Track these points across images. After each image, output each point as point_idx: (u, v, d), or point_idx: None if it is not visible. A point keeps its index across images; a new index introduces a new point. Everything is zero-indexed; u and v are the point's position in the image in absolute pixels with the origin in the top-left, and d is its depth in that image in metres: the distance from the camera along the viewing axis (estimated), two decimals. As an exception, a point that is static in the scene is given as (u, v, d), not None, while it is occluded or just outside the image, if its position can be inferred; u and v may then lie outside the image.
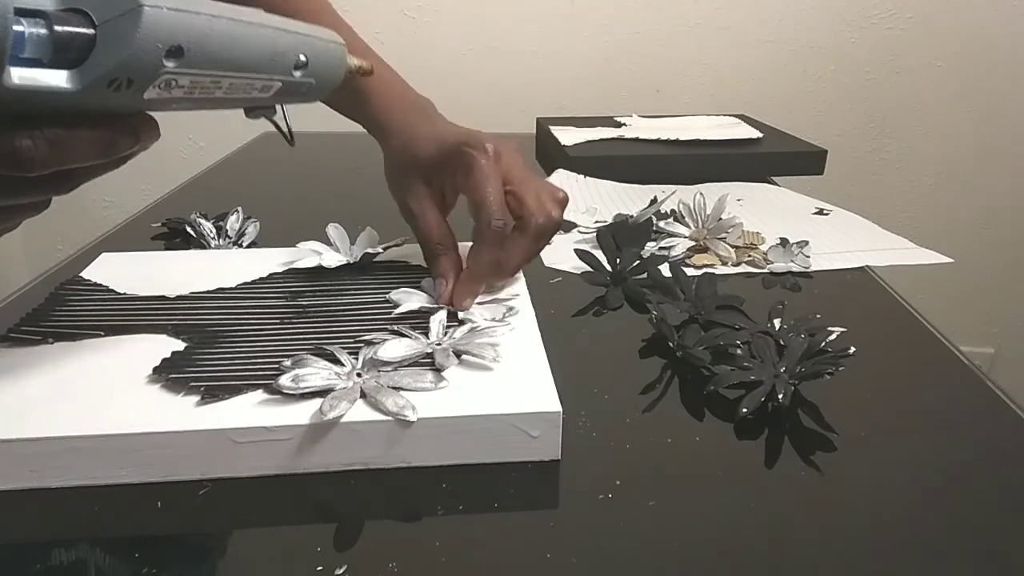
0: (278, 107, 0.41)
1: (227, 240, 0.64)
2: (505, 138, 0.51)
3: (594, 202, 0.79)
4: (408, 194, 0.53)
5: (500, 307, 0.48)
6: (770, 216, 0.76)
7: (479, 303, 0.49)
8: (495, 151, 0.49)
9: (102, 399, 0.38)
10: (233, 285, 0.51)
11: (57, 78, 0.27)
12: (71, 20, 0.27)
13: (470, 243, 0.50)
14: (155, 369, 0.40)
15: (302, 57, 0.38)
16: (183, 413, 0.37)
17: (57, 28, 0.27)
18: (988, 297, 1.55)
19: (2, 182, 0.30)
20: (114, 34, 0.27)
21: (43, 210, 0.34)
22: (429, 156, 0.52)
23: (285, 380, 0.38)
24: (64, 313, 0.47)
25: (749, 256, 0.65)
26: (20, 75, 0.26)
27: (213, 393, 0.38)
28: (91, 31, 0.27)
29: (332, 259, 0.54)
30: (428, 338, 0.44)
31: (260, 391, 0.38)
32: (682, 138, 0.95)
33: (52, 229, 1.43)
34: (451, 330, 0.45)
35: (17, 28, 0.26)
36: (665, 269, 0.60)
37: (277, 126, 0.45)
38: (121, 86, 0.29)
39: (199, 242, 0.64)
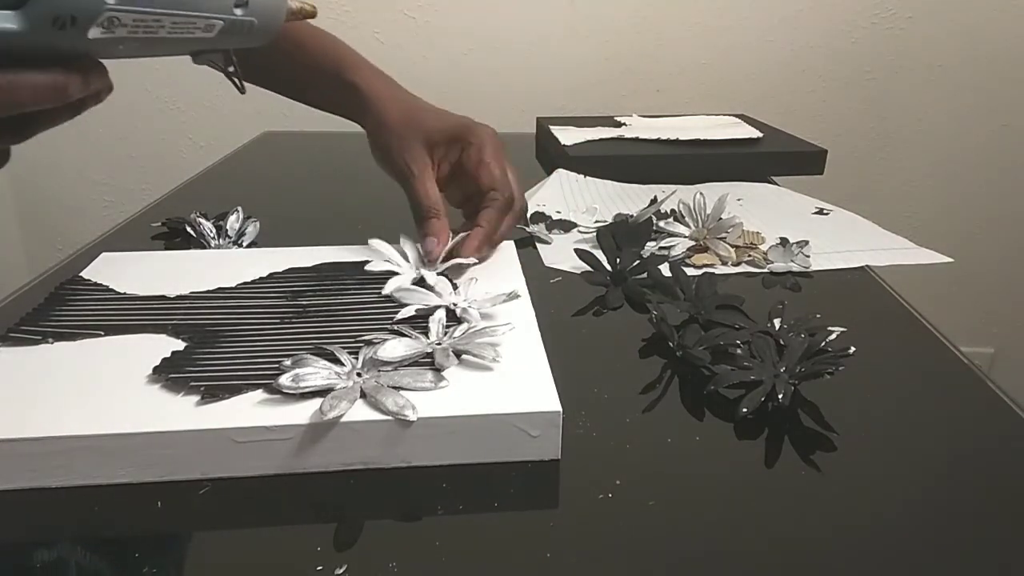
0: (226, 56, 0.42)
1: (227, 240, 0.64)
2: (504, 136, 0.52)
3: (594, 202, 0.79)
4: (410, 157, 0.57)
5: (500, 295, 0.48)
6: (770, 216, 0.76)
7: (480, 293, 0.49)
8: (496, 138, 0.59)
9: (102, 399, 0.38)
10: (233, 285, 0.51)
11: (2, 19, 0.28)
12: None
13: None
14: (155, 369, 0.40)
15: None
16: (183, 413, 0.37)
17: None
18: (988, 297, 1.55)
19: None
20: None
21: (3, 163, 0.35)
22: (437, 129, 0.58)
23: (285, 380, 0.38)
24: (64, 313, 0.47)
25: (749, 256, 0.65)
26: None
27: (213, 393, 0.38)
28: None
29: (407, 275, 0.52)
30: (428, 338, 0.44)
31: (260, 391, 0.38)
32: (682, 138, 0.95)
33: (52, 229, 1.43)
34: (451, 330, 0.45)
35: None
36: (665, 269, 0.60)
37: (226, 73, 0.45)
38: (65, 24, 0.29)
39: (199, 242, 0.64)
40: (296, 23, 0.46)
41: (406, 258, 0.54)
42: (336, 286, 0.51)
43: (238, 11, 0.38)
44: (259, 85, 0.67)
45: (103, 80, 0.34)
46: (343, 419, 0.36)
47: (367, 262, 0.55)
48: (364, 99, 0.61)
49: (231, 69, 0.45)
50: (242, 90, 0.48)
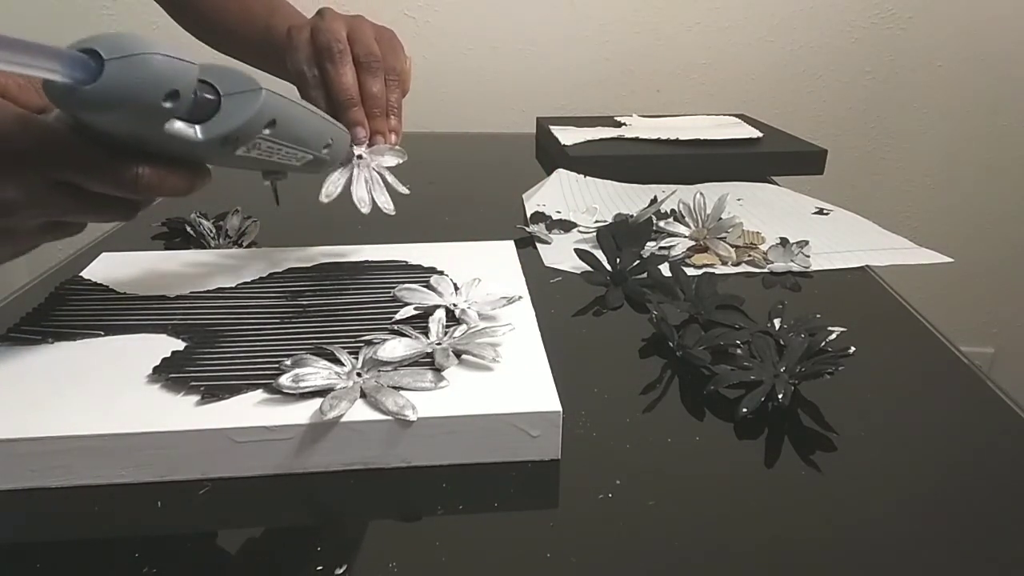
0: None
1: (227, 240, 0.64)
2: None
3: (594, 202, 0.79)
4: (306, 73, 0.55)
5: (500, 300, 0.48)
6: (770, 216, 0.76)
7: (481, 294, 0.49)
8: (339, 17, 0.57)
9: (102, 399, 0.38)
10: (233, 285, 0.51)
11: (191, 130, 0.35)
12: (205, 89, 0.35)
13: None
14: (155, 369, 0.40)
15: (330, 139, 0.47)
16: (183, 413, 0.37)
17: (197, 94, 0.34)
18: (988, 297, 1.55)
19: (104, 200, 0.37)
20: (236, 105, 0.36)
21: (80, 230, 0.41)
22: (306, 40, 0.56)
23: (285, 380, 0.38)
24: (64, 313, 0.47)
25: (749, 256, 0.65)
26: (173, 124, 0.34)
27: (213, 393, 0.38)
28: (216, 99, 0.36)
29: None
30: (428, 338, 0.44)
31: (260, 391, 0.38)
32: (682, 138, 0.95)
33: (52, 229, 1.43)
34: (451, 330, 0.45)
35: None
36: (665, 269, 0.60)
37: (274, 189, 0.53)
38: (229, 143, 0.36)
39: (199, 242, 0.64)
40: None
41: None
42: (336, 286, 0.51)
43: (324, 151, 0.47)
44: (201, 39, 0.73)
45: (208, 180, 0.40)
46: (343, 419, 0.36)
47: (367, 262, 0.55)
48: (277, 38, 0.61)
49: (276, 186, 0.52)
50: (278, 203, 0.57)
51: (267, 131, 0.38)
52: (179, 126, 0.34)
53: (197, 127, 0.35)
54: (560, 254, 0.65)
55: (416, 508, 0.36)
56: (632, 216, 0.68)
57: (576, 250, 0.61)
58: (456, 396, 0.39)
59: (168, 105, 0.32)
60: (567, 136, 0.96)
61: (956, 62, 1.37)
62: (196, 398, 0.38)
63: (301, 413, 0.37)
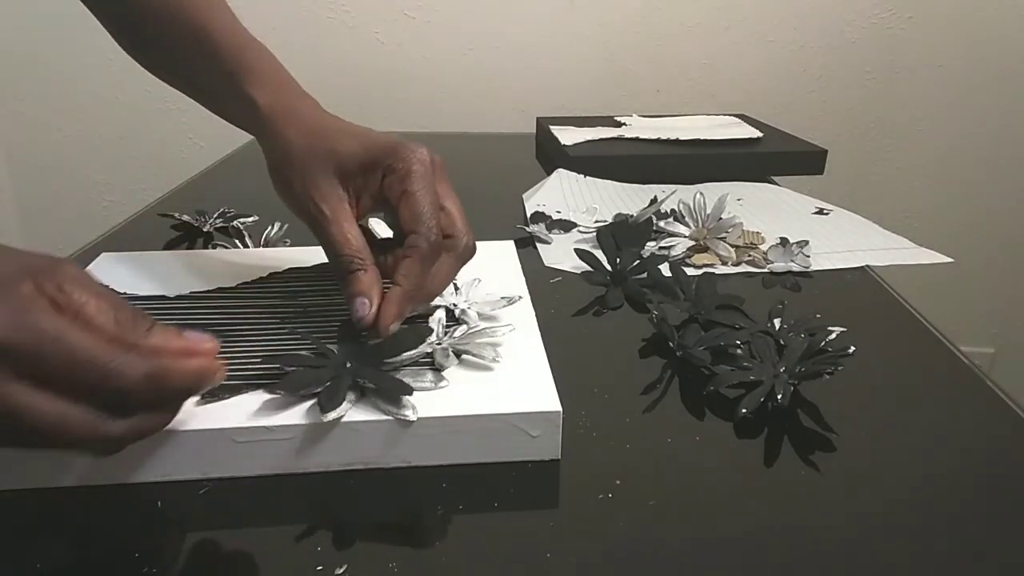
0: None
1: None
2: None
3: (594, 202, 0.79)
4: (319, 194, 0.44)
5: (500, 300, 0.48)
6: (770, 216, 0.76)
7: (481, 295, 0.49)
8: (433, 161, 0.45)
9: (102, 399, 0.38)
10: (233, 285, 0.51)
11: None
12: None
13: None
14: (155, 369, 0.40)
15: None
16: (183, 413, 0.37)
17: None
18: (988, 297, 1.55)
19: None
20: None
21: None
22: (352, 153, 0.44)
23: (285, 380, 0.38)
24: (64, 313, 0.47)
25: (749, 256, 0.65)
26: None
27: (213, 393, 0.38)
28: None
29: None
30: (428, 338, 0.44)
31: (260, 391, 0.38)
32: (682, 138, 0.95)
33: (52, 229, 1.43)
34: (451, 330, 0.45)
35: None
36: (665, 269, 0.60)
37: None
38: None
39: (232, 242, 0.65)
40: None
41: None
42: (336, 286, 0.51)
43: None
44: (166, 81, 0.56)
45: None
46: (343, 419, 0.36)
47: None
48: (262, 119, 0.47)
49: None
50: None
51: None
52: None
53: None
54: (560, 254, 0.65)
55: (416, 508, 0.36)
56: (632, 216, 0.68)
57: (576, 250, 0.61)
58: (456, 396, 0.39)
59: None
60: (567, 136, 0.96)
61: (956, 62, 1.37)
62: (196, 398, 0.38)
63: (301, 413, 0.37)
